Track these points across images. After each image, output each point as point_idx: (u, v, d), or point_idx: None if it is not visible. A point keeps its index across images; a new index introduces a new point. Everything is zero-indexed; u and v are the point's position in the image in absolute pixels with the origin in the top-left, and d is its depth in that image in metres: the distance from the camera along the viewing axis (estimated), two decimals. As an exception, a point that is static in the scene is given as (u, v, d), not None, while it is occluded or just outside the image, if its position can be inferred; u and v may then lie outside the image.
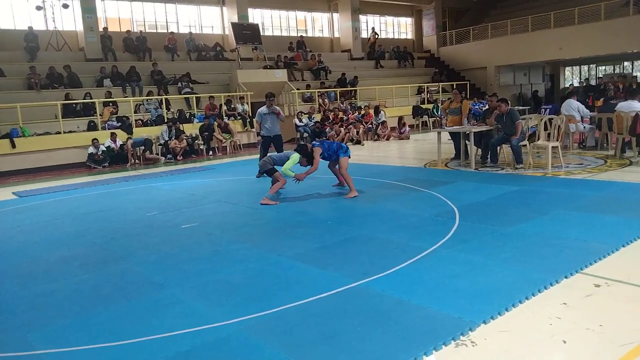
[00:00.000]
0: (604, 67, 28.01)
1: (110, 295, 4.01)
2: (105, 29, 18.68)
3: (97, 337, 3.25)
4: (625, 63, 26.99)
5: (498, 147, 9.36)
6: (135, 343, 3.12)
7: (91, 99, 15.01)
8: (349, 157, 7.47)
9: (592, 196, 6.30)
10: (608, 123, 9.90)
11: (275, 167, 7.46)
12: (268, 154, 7.87)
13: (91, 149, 13.28)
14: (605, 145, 10.39)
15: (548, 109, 11.69)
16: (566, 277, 3.74)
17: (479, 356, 2.76)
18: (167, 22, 21.33)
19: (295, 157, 7.24)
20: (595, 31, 20.53)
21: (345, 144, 15.10)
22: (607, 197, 6.24)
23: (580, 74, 28.78)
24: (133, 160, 13.65)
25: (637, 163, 8.40)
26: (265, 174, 7.67)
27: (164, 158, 13.91)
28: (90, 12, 17.71)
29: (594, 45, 20.94)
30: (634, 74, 25.28)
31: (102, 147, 13.43)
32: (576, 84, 23.79)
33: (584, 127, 10.59)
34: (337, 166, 7.59)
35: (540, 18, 22.82)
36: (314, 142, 7.78)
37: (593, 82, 23.87)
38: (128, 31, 19.27)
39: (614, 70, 27.25)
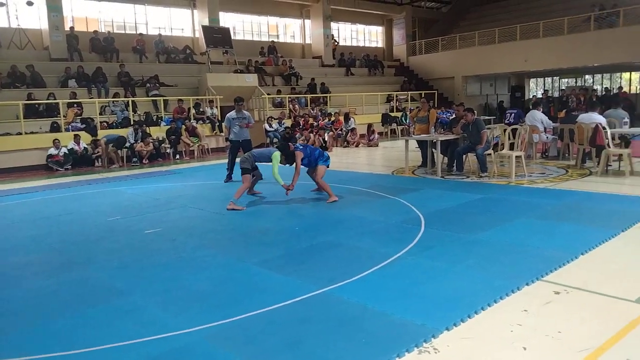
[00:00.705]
0: (566, 80, 28.87)
1: (68, 302, 3.88)
2: (72, 28, 18.24)
3: (53, 346, 3.13)
4: (587, 76, 27.90)
5: (464, 156, 9.52)
6: (90, 352, 3.02)
7: (55, 99, 14.61)
8: (328, 167, 7.51)
9: (554, 205, 6.45)
10: (570, 134, 10.19)
11: (256, 163, 7.42)
12: (250, 151, 7.77)
13: (52, 150, 12.92)
14: (566, 155, 10.69)
15: (513, 114, 11.96)
16: (527, 284, 3.80)
17: (441, 363, 2.77)
18: (136, 23, 20.97)
19: (277, 154, 7.23)
20: (559, 44, 21.17)
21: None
22: (568, 205, 6.40)
23: (544, 86, 29.60)
24: (103, 162, 13.34)
25: (596, 173, 8.65)
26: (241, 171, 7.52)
27: (116, 165, 13.53)
28: (56, 10, 17.24)
29: (558, 58, 21.57)
30: (595, 87, 26.14)
31: (64, 150, 13.06)
32: (540, 96, 24.45)
33: (547, 137, 10.88)
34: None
35: (506, 30, 23.40)
36: (297, 144, 7.76)
37: (556, 94, 24.57)
38: (95, 31, 18.87)
39: (576, 82, 28.12)
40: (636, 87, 26.53)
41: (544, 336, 3.02)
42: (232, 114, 9.57)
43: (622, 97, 18.72)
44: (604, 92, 23.91)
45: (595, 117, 9.02)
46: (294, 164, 7.35)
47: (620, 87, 23.98)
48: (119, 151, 13.69)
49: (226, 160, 10.09)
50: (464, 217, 6.07)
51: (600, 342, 2.90)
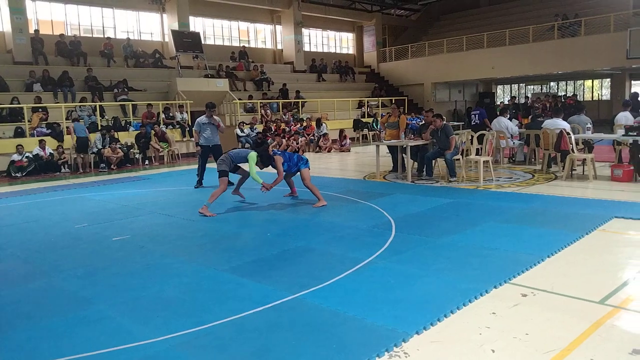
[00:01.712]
0: (532, 87, 29.60)
1: (31, 312, 3.76)
2: (37, 31, 17.79)
3: (14, 357, 3.03)
4: (552, 83, 28.67)
5: (433, 161, 9.64)
6: (56, 363, 2.94)
7: (19, 104, 14.22)
8: (309, 169, 7.54)
9: (520, 208, 6.58)
10: (535, 139, 10.43)
11: (234, 164, 7.34)
12: (226, 152, 7.68)
13: (15, 156, 12.55)
14: (533, 160, 10.94)
15: (477, 114, 12.20)
16: (495, 287, 3.86)
17: (412, 367, 2.79)
18: (103, 27, 20.62)
19: (254, 155, 7.16)
20: (524, 52, 21.72)
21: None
22: (534, 209, 6.54)
23: (510, 92, 30.28)
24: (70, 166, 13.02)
25: (561, 177, 8.88)
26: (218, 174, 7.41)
27: (69, 171, 13.22)
28: (20, 12, 16.81)
29: (523, 66, 22.13)
30: (559, 93, 26.88)
31: (26, 154, 12.68)
32: (507, 102, 25.02)
33: (514, 142, 11.11)
34: (292, 178, 7.82)
35: (474, 38, 23.90)
36: (274, 150, 7.75)
37: (522, 100, 25.17)
38: (61, 34, 18.48)
39: (541, 89, 28.87)
40: (598, 94, 27.41)
41: (511, 338, 3.07)
42: (202, 118, 9.48)
43: (567, 104, 19.24)
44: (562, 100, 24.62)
45: (560, 123, 9.26)
46: (270, 167, 7.34)
47: (575, 95, 24.74)
48: (84, 155, 13.38)
49: (196, 166, 9.98)
50: (434, 221, 6.15)
51: (566, 343, 2.97)
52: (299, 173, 7.56)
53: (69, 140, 13.52)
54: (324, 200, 7.33)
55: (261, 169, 7.46)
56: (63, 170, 13.22)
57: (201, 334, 3.24)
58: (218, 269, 4.59)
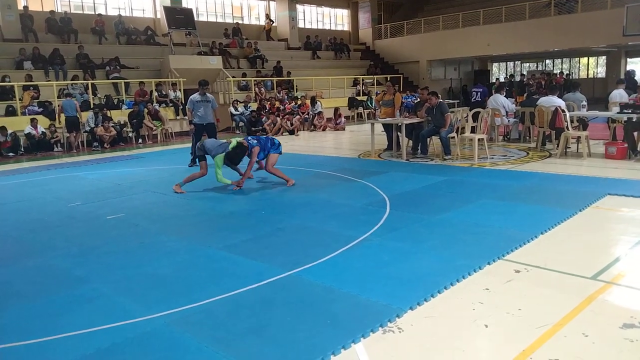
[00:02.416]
0: (527, 64, 29.44)
1: (24, 291, 3.76)
2: (26, 7, 17.46)
3: (7, 336, 3.03)
4: (547, 61, 28.53)
5: (428, 139, 9.62)
6: (51, 341, 2.94)
7: (10, 82, 14.02)
8: (280, 154, 7.45)
9: (515, 186, 6.60)
10: (530, 117, 10.42)
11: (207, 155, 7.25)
12: (201, 141, 7.60)
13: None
14: (527, 138, 10.94)
15: (479, 92, 12.11)
16: (489, 263, 3.89)
17: (405, 342, 2.81)
18: (94, 4, 20.23)
19: (218, 159, 6.93)
20: (520, 29, 21.52)
21: (282, 134, 15.12)
22: (528, 187, 6.56)
23: (506, 70, 30.13)
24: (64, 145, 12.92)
25: (556, 155, 8.89)
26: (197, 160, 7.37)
27: (62, 150, 13.14)
28: (8, -12, 16.47)
29: (519, 43, 21.95)
30: (555, 71, 26.78)
31: (10, 133, 12.52)
32: (503, 80, 24.93)
33: (509, 120, 11.09)
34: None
35: (470, 15, 23.63)
36: (252, 139, 7.48)
37: (517, 78, 25.05)
38: (51, 11, 18.12)
39: (537, 67, 28.71)
40: (593, 72, 27.32)
41: (505, 313, 3.10)
42: (195, 96, 9.38)
43: (556, 84, 19.14)
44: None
45: (555, 100, 9.24)
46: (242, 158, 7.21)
47: (562, 72, 24.70)
48: (76, 134, 13.26)
49: (190, 144, 9.92)
50: (428, 198, 6.16)
51: (558, 318, 3.00)
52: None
53: (61, 119, 13.36)
54: (290, 179, 7.29)
55: (236, 164, 7.33)
56: (56, 149, 13.11)
57: (197, 311, 3.26)
58: (213, 247, 4.60)
